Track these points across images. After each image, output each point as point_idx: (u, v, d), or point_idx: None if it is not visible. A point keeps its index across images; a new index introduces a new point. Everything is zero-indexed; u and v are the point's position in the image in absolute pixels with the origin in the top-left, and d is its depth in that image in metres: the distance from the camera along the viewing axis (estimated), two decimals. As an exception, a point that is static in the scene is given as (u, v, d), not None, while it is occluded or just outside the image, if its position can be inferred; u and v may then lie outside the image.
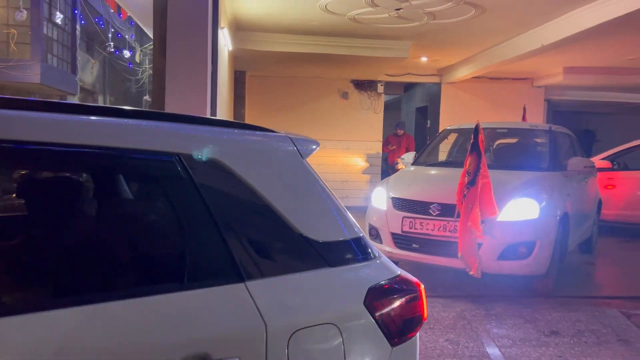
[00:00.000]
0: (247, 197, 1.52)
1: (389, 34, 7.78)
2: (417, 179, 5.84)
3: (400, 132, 10.41)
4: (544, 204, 4.84)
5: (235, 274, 1.42)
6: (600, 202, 7.24)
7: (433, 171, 6.03)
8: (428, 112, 12.05)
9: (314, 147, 1.75)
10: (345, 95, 11.02)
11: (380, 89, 10.97)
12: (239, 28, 7.68)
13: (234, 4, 6.47)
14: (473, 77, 10.59)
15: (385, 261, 1.76)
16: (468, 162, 4.82)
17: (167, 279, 1.44)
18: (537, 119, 11.26)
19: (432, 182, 5.71)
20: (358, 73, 10.41)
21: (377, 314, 1.57)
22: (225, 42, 6.33)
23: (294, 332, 1.42)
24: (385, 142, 10.65)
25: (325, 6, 6.41)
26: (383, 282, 1.65)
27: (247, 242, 1.47)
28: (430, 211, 4.99)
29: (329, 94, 10.99)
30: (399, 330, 1.62)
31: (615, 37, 7.19)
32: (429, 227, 4.98)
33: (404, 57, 8.48)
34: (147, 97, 13.24)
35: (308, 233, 1.56)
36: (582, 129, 13.92)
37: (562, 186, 5.36)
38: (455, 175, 5.12)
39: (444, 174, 5.80)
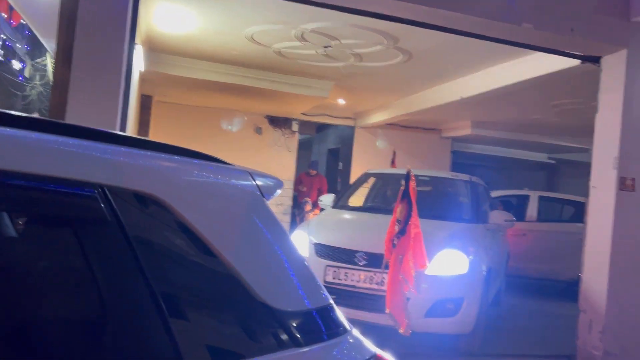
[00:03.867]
0: (194, 252, 1.11)
1: (312, 72, 7.56)
2: (341, 224, 5.52)
3: (313, 172, 10.15)
4: (471, 257, 4.70)
5: None
6: (508, 255, 7.37)
7: (356, 216, 5.76)
8: (340, 154, 11.97)
9: (279, 187, 1.43)
10: (258, 131, 10.63)
11: (295, 127, 10.72)
12: (152, 48, 7.06)
13: (149, 21, 5.90)
14: (386, 124, 10.69)
15: (358, 336, 1.39)
16: (398, 210, 4.58)
17: None
18: (443, 169, 11.59)
19: (358, 228, 5.42)
20: (274, 109, 10.10)
21: None
22: (138, 61, 5.71)
23: None
24: (297, 182, 10.33)
25: (252, 36, 6.04)
26: None
27: (195, 316, 1.07)
28: (356, 260, 4.66)
29: (242, 128, 10.53)
30: None
31: (523, 94, 7.50)
32: (354, 278, 4.63)
33: (324, 97, 8.30)
34: (36, 115, 11.92)
35: (272, 301, 1.15)
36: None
37: (484, 239, 5.30)
38: (381, 222, 4.86)
39: (369, 220, 5.54)
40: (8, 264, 0.98)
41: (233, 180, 1.29)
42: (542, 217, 9.02)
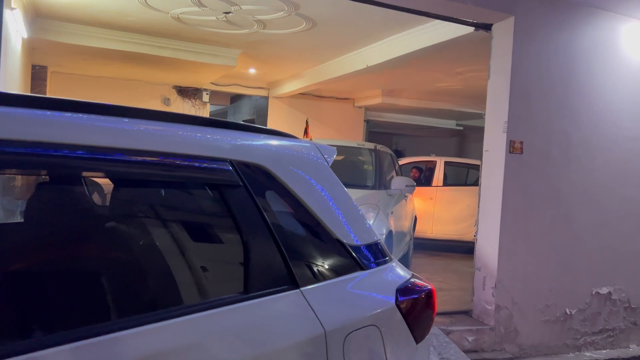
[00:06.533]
0: (290, 204, 1.53)
1: (217, 40, 7.31)
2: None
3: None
4: (371, 222, 4.79)
5: (291, 281, 1.42)
6: (415, 219, 7.62)
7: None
8: (255, 124, 11.79)
9: (333, 153, 1.81)
10: (166, 102, 10.22)
11: (206, 97, 10.40)
12: (39, 14, 6.52)
13: (31, -16, 5.42)
14: (300, 93, 10.62)
15: (398, 263, 1.85)
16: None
17: (230, 289, 1.39)
18: (357, 138, 11.75)
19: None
20: (182, 79, 9.72)
21: (405, 313, 1.65)
22: (18, 27, 5.23)
23: (347, 336, 1.45)
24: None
25: (146, 0, 5.71)
26: (406, 282, 1.73)
27: (296, 247, 1.49)
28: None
29: (149, 99, 10.08)
30: (421, 327, 1.72)
31: (428, 63, 7.70)
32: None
33: (232, 66, 8.07)
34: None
35: (343, 238, 1.61)
36: (393, 148, 15.08)
37: (386, 204, 5.42)
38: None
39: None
40: (180, 214, 1.50)
41: (306, 150, 1.70)
42: (448, 182, 9.39)
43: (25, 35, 5.85)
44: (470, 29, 5.24)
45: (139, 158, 1.24)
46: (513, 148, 4.86)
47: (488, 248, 4.97)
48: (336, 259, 1.59)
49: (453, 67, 7.97)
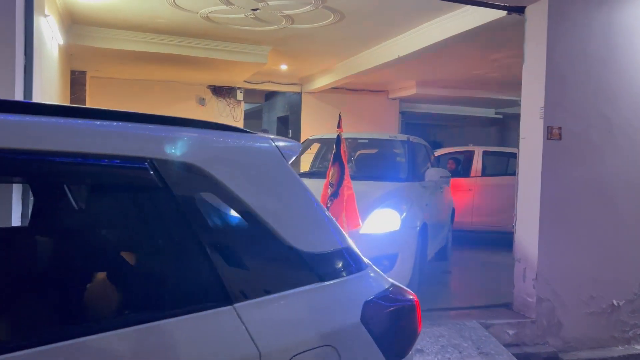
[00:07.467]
0: (231, 207, 1.37)
1: (247, 38, 7.34)
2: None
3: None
4: (404, 215, 4.71)
5: (222, 296, 1.26)
6: (453, 211, 7.47)
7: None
8: (289, 121, 11.82)
9: (296, 149, 1.65)
10: (201, 102, 10.35)
11: (240, 96, 10.49)
12: (75, 21, 6.70)
13: (65, -9, 5.57)
14: (332, 88, 10.56)
15: (377, 271, 1.65)
16: (330, 173, 4.53)
17: (147, 305, 1.26)
18: (392, 130, 11.60)
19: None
20: (215, 78, 9.83)
21: (375, 331, 1.45)
22: (53, 34, 5.39)
23: (291, 358, 1.30)
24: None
25: (174, 1, 5.78)
26: (378, 295, 1.53)
27: (233, 257, 1.33)
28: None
29: (185, 100, 10.24)
30: (397, 346, 1.52)
31: (462, 51, 7.51)
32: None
33: (263, 63, 8.09)
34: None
35: (297, 244, 1.42)
36: (431, 140, 14.83)
37: (420, 196, 5.32)
38: (319, 186, 4.81)
39: (310, 186, 5.47)
40: (90, 221, 1.37)
41: (257, 146, 1.50)
42: (488, 172, 9.16)
43: (62, 42, 6.01)
44: (503, 13, 5.07)
45: (39, 158, 1.11)
46: (551, 134, 4.68)
47: (527, 239, 4.82)
48: (287, 269, 1.42)
49: (487, 54, 7.75)
